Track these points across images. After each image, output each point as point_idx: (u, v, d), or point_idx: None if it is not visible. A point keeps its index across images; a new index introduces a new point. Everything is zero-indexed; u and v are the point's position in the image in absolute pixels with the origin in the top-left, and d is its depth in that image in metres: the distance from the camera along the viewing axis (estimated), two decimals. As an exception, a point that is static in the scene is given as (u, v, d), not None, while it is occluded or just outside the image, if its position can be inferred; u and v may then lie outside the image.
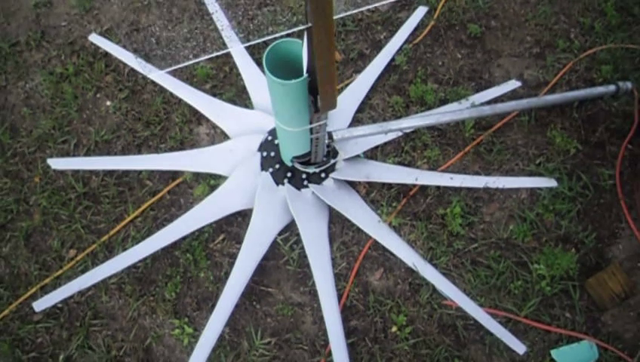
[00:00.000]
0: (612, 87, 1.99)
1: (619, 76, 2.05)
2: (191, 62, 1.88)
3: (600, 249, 1.80)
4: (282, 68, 1.46)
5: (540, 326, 1.68)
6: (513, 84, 2.11)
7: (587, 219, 1.84)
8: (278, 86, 1.44)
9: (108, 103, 2.19)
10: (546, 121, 2.01)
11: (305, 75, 1.40)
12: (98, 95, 2.21)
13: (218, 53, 1.80)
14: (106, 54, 2.28)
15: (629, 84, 1.99)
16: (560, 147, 1.95)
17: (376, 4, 2.23)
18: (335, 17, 1.86)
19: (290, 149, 1.84)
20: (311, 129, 1.66)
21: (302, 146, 1.79)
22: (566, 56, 2.13)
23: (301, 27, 1.22)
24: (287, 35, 1.39)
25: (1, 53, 2.36)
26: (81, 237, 1.92)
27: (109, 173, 2.02)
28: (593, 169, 1.91)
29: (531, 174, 1.93)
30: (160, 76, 2.14)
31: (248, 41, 2.22)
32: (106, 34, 2.34)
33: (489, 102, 2.06)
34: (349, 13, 2.02)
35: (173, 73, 2.18)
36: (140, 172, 2.02)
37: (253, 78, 2.12)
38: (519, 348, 1.65)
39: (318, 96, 1.45)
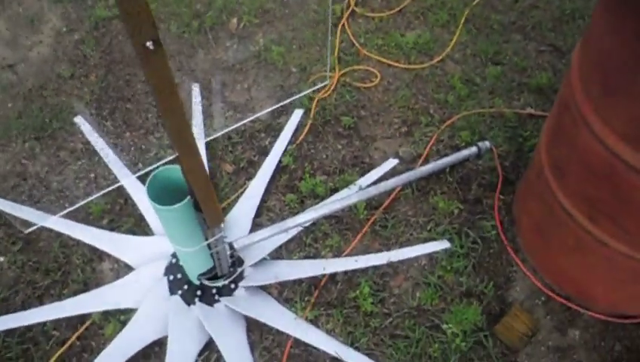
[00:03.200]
0: (474, 149, 2.24)
1: (477, 138, 2.31)
2: (76, 206, 1.90)
3: (500, 295, 1.94)
4: (169, 192, 1.53)
5: (464, 384, 1.74)
6: (392, 163, 2.31)
7: (482, 270, 1.99)
8: (164, 212, 1.50)
9: (1, 259, 2.11)
10: (427, 190, 2.20)
11: (187, 198, 1.48)
12: (-11, 253, 2.14)
13: (105, 191, 1.84)
14: (-6, 211, 2.23)
15: (487, 143, 2.25)
16: (444, 210, 2.13)
17: (246, 121, 2.41)
18: (206, 140, 1.99)
19: (193, 268, 1.86)
20: (209, 245, 1.72)
21: (204, 263, 1.82)
22: (430, 129, 2.38)
23: (170, 157, 1.31)
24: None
25: None
26: (-15, 410, 1.77)
27: (10, 332, 1.92)
28: (477, 223, 2.10)
29: (426, 240, 2.08)
30: (54, 221, 2.12)
31: (138, 169, 2.28)
32: (-8, 190, 2.31)
33: (374, 183, 2.23)
34: (221, 132, 2.16)
35: (67, 215, 2.18)
36: (44, 324, 1.94)
37: (149, 204, 2.16)
38: (450, 411, 1.69)
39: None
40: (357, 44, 2.68)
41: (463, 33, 2.69)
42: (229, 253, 1.92)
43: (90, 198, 2.11)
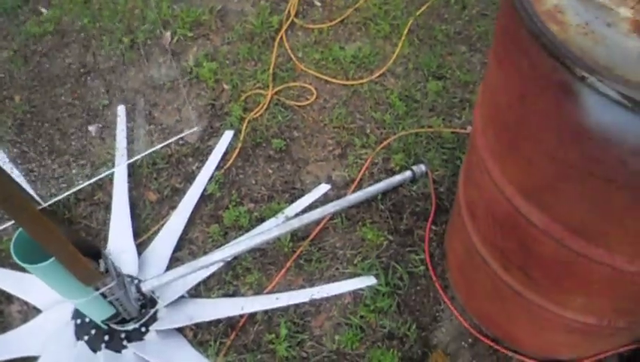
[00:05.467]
0: (408, 173, 2.10)
1: (413, 161, 2.17)
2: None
3: (424, 337, 1.81)
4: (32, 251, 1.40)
5: None
6: (324, 188, 2.18)
7: (407, 310, 1.86)
8: (34, 270, 1.37)
9: None
10: (357, 219, 2.07)
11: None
12: None
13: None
14: None
15: (422, 167, 2.11)
16: (373, 242, 2.00)
17: (168, 143, 2.28)
18: (128, 161, 1.81)
19: (95, 315, 1.74)
20: (103, 293, 1.60)
21: (105, 310, 1.70)
22: (365, 151, 2.24)
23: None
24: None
25: None
26: None
27: None
28: (406, 257, 1.97)
29: (352, 276, 1.95)
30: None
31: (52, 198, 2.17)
32: None
33: (304, 211, 2.10)
34: (141, 155, 2.04)
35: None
36: None
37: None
38: None
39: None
40: (294, 59, 2.54)
41: (406, 45, 2.53)
42: (135, 295, 1.80)
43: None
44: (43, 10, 2.91)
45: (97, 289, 1.57)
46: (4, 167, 2.27)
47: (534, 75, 0.96)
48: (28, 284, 1.96)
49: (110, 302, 1.67)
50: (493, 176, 1.25)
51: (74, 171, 2.29)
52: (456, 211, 1.69)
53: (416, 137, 2.24)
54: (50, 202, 2.05)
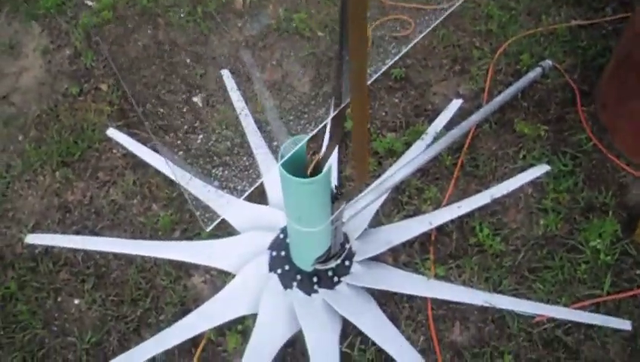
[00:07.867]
0: (538, 69, 2.16)
1: (535, 60, 2.24)
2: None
3: (620, 203, 1.88)
4: (293, 166, 1.35)
5: (626, 296, 1.67)
6: (457, 103, 2.20)
7: (594, 182, 1.93)
8: (302, 186, 1.32)
9: (76, 302, 1.86)
10: (506, 120, 2.11)
11: (328, 167, 1.31)
12: (59, 298, 1.87)
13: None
14: (46, 250, 1.96)
15: (549, 62, 2.18)
16: (532, 135, 2.05)
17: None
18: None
19: (310, 252, 1.68)
20: (332, 220, 1.55)
21: (323, 244, 1.65)
22: (484, 61, 2.29)
23: (343, 105, 1.15)
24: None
25: None
26: None
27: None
28: (569, 140, 2.03)
29: (523, 169, 1.99)
30: (121, 243, 1.89)
31: (197, 167, 2.08)
32: (34, 229, 2.03)
33: (446, 128, 2.12)
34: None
35: (130, 235, 1.95)
36: (153, 358, 1.71)
37: (226, 201, 1.95)
38: (625, 325, 1.61)
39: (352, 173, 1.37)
40: (377, -4, 2.55)
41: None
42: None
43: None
44: (89, 2, 2.76)
45: (332, 213, 1.53)
46: (132, 148, 2.15)
47: None
48: (211, 250, 1.88)
49: (330, 232, 1.63)
50: None
51: (198, 141, 2.20)
52: (633, 77, 1.77)
53: (529, 39, 2.31)
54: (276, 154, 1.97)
